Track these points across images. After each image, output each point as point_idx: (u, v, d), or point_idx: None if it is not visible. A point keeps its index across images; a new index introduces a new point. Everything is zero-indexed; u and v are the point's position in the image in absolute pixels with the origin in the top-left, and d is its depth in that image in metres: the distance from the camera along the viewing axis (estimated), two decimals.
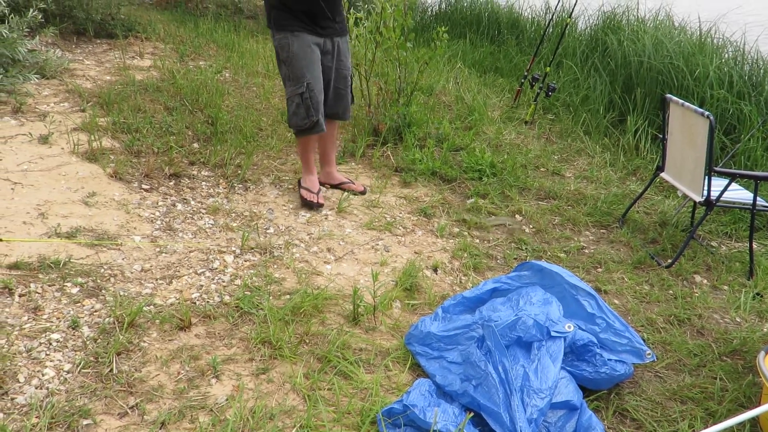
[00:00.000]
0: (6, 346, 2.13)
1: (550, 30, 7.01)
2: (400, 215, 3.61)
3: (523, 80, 5.91)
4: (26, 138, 3.71)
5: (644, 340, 2.51)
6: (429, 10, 9.96)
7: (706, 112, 3.16)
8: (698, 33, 5.75)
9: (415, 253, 3.22)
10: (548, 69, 5.64)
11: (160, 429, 1.88)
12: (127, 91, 4.61)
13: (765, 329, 2.91)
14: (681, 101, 3.40)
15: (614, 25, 6.67)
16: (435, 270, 3.08)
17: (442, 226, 3.50)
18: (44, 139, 3.71)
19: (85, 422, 1.88)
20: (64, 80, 4.75)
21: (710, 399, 2.37)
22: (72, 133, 3.84)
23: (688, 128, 3.39)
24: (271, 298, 2.62)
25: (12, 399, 1.93)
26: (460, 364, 2.12)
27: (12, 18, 4.52)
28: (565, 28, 5.87)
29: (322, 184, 3.79)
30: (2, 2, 4.31)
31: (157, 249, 2.93)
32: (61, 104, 4.31)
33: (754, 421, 2.27)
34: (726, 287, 3.29)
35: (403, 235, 3.40)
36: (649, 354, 2.27)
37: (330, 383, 2.16)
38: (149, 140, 3.92)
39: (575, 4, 5.76)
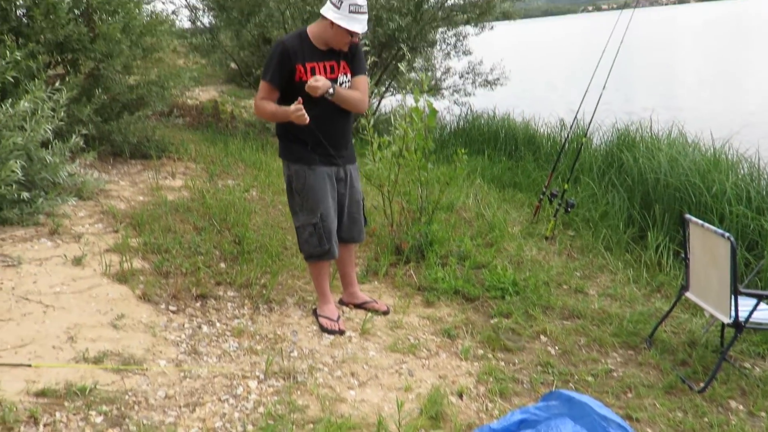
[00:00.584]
0: None
1: (567, 147, 7.23)
2: (424, 336, 3.60)
3: (542, 196, 6.04)
4: (60, 260, 3.83)
5: None
6: (448, 127, 10.37)
7: (726, 234, 3.19)
8: (712, 150, 5.89)
9: (440, 377, 3.18)
10: (566, 185, 5.77)
11: None
12: (159, 212, 4.79)
13: None
14: (700, 222, 3.45)
15: (629, 142, 6.88)
16: (460, 396, 3.03)
17: (466, 348, 3.48)
18: (77, 261, 3.83)
19: None
20: (99, 201, 4.96)
21: None
22: (104, 254, 3.96)
23: (709, 249, 3.41)
24: (294, 427, 2.59)
25: None
26: None
27: (55, 143, 4.80)
28: (580, 146, 6.05)
29: (345, 304, 3.82)
30: (48, 129, 4.59)
31: (182, 374, 2.93)
32: (96, 225, 4.48)
33: None
34: (764, 414, 3.17)
35: (427, 357, 3.37)
36: None
37: None
38: (178, 261, 4.03)
39: (590, 123, 5.98)
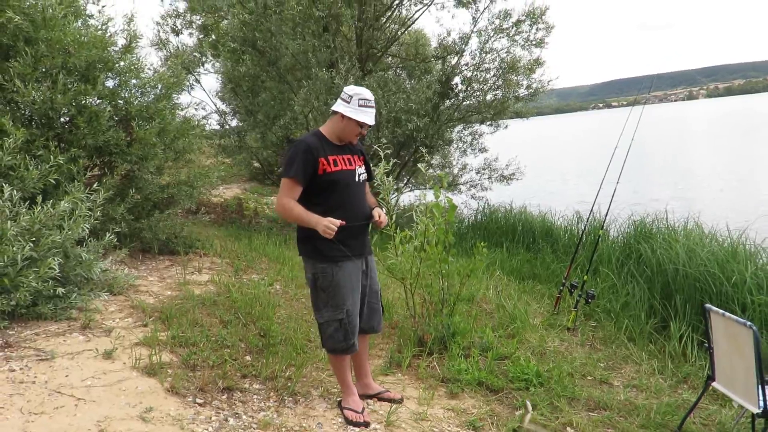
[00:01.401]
0: None
1: (584, 239, 7.34)
2: (449, 429, 3.58)
3: (561, 287, 6.09)
4: (92, 353, 3.93)
5: None
6: (466, 221, 10.57)
7: (748, 323, 3.22)
8: (729, 240, 5.96)
9: None
10: (586, 277, 5.83)
11: None
12: (186, 306, 4.91)
13: None
14: (722, 311, 3.49)
15: (646, 234, 6.97)
16: None
17: None
18: (108, 354, 3.92)
19: None
20: (129, 296, 5.10)
21: None
22: (134, 348, 4.06)
23: (733, 338, 3.43)
24: None
25: None
26: None
27: (90, 241, 5.02)
28: (598, 239, 6.16)
29: (359, 395, 3.80)
30: (85, 228, 4.82)
31: None
32: (126, 319, 4.60)
33: None
34: None
35: None
36: None
37: None
38: (205, 354, 4.10)
39: (606, 215, 6.12)
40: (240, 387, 3.83)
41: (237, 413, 3.53)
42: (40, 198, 4.63)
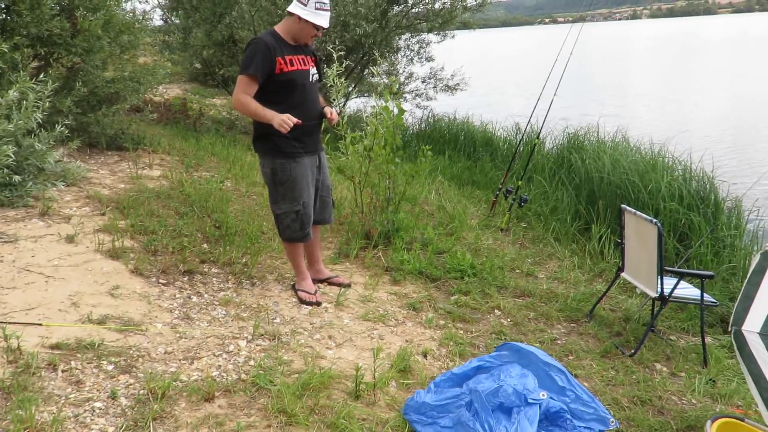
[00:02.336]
0: (56, 412, 2.44)
1: (521, 149, 7.78)
2: (392, 309, 4.02)
3: (498, 192, 6.54)
4: (54, 237, 4.11)
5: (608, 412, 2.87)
6: (411, 128, 10.84)
7: (654, 220, 3.71)
8: (650, 153, 6.49)
9: (407, 341, 3.61)
10: (520, 183, 6.29)
11: None
12: (141, 198, 5.08)
13: (717, 409, 3.30)
14: (634, 210, 3.97)
15: (578, 145, 7.46)
16: (425, 356, 3.46)
17: (430, 318, 3.91)
18: (70, 239, 4.11)
19: None
20: (83, 187, 5.22)
21: None
22: (96, 233, 4.25)
23: (641, 234, 3.93)
24: (282, 376, 2.97)
25: None
26: (451, 428, 2.47)
27: (40, 132, 5.05)
28: (533, 148, 6.59)
29: (312, 280, 4.13)
30: (37, 117, 4.84)
31: (177, 335, 3.28)
32: (83, 208, 4.75)
33: None
34: (683, 374, 3.69)
35: (395, 326, 3.79)
36: (612, 421, 2.64)
37: None
38: (164, 241, 4.35)
39: (542, 126, 6.53)
40: (200, 271, 4.12)
41: (199, 292, 3.84)
42: None
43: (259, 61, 3.56)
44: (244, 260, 4.38)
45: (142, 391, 2.67)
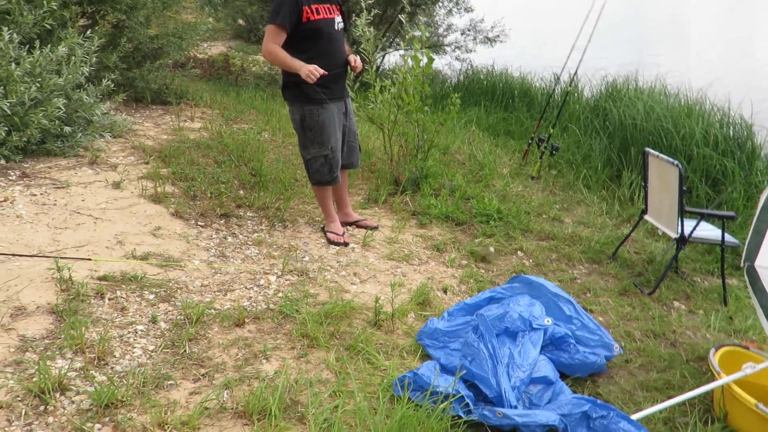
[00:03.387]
0: (103, 332, 2.73)
1: (558, 98, 7.73)
2: (416, 250, 4.19)
3: (530, 141, 6.57)
4: (102, 184, 4.41)
5: (619, 344, 3.00)
6: (448, 81, 10.81)
7: (675, 161, 3.74)
8: (687, 99, 6.38)
9: (428, 278, 3.79)
10: (552, 131, 6.30)
11: (225, 389, 2.44)
12: (182, 148, 5.35)
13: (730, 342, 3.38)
14: (657, 153, 4.00)
15: (614, 94, 7.36)
16: (445, 291, 3.64)
17: (453, 258, 4.07)
18: (117, 185, 4.41)
19: (168, 383, 2.44)
20: (129, 138, 5.52)
21: (672, 389, 2.84)
22: (139, 180, 4.54)
23: (663, 176, 3.96)
24: (307, 306, 3.20)
25: (112, 368, 2.51)
26: (459, 350, 2.66)
27: (89, 86, 5.34)
28: (566, 96, 6.55)
29: (341, 223, 4.33)
30: (85, 71, 5.13)
31: (213, 270, 3.54)
32: (128, 158, 5.05)
33: (708, 405, 2.74)
34: (701, 312, 3.77)
35: (419, 264, 3.97)
36: (617, 347, 2.77)
37: (356, 364, 2.70)
38: (203, 187, 4.61)
39: (575, 74, 6.47)
40: (236, 214, 4.37)
41: (234, 233, 4.09)
42: (37, 43, 4.89)
43: (287, 10, 3.68)
44: (277, 205, 4.60)
45: (179, 317, 2.94)
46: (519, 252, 4.36)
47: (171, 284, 3.28)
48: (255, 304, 3.19)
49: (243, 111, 7.44)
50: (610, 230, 4.92)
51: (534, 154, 6.59)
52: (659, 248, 4.66)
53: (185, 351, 2.67)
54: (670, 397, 2.77)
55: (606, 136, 6.42)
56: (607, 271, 4.18)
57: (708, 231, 4.04)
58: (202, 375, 2.53)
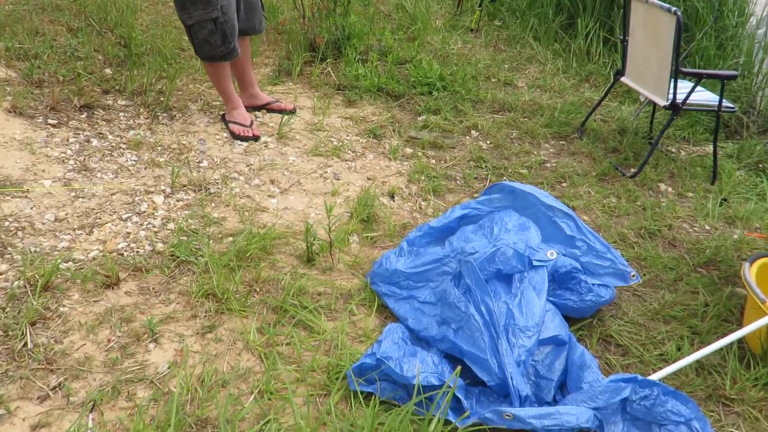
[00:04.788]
0: None
1: None
2: (348, 138, 3.28)
3: None
4: None
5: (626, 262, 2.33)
6: None
7: (673, 8, 2.91)
8: None
9: (368, 179, 2.93)
10: None
11: (91, 412, 1.59)
12: (20, 11, 3.98)
13: (735, 236, 2.80)
14: None
15: None
16: (392, 197, 2.81)
17: (395, 147, 3.20)
18: None
19: None
20: None
21: (693, 316, 2.24)
22: None
23: (652, 27, 3.14)
24: (211, 242, 2.30)
25: None
26: (434, 304, 1.89)
27: None
28: None
29: (246, 108, 3.31)
30: None
31: (73, 194, 2.53)
32: None
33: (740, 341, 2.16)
34: (691, 194, 3.17)
35: (353, 159, 3.09)
36: (633, 276, 2.09)
37: (288, 336, 1.89)
38: (52, 67, 3.40)
39: None
40: (102, 104, 3.25)
41: (101, 133, 3.02)
42: None
43: None
44: (159, 86, 3.49)
45: (17, 282, 1.98)
46: (473, 131, 3.54)
47: (8, 224, 2.28)
48: (135, 246, 2.26)
49: None
50: (571, 94, 4.14)
51: (470, 1, 5.56)
52: (628, 112, 3.96)
53: (26, 345, 1.76)
54: (694, 332, 2.18)
55: None
56: (578, 149, 3.46)
57: (698, 94, 3.33)
58: (53, 388, 1.65)
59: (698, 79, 3.13)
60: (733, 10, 4.78)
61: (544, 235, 2.13)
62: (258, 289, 2.09)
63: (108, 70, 3.57)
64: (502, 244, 1.90)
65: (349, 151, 3.15)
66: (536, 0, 5.31)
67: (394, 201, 2.78)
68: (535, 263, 1.90)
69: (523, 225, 2.07)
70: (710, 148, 3.76)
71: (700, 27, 4.55)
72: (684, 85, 3.32)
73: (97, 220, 2.37)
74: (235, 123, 3.14)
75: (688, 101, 3.20)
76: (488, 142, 3.44)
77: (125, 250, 2.22)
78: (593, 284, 2.02)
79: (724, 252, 2.64)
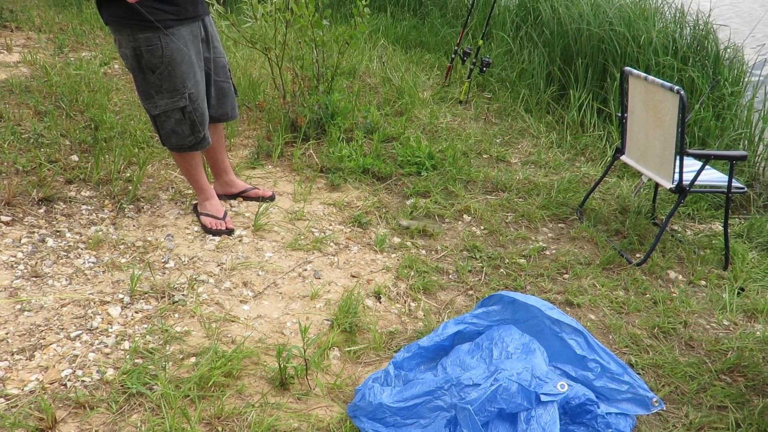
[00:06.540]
0: None
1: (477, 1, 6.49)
2: (330, 228, 3.03)
3: (453, 56, 5.39)
4: None
5: (646, 384, 2.05)
6: None
7: (676, 87, 2.72)
8: None
9: (352, 276, 2.66)
10: (480, 42, 5.14)
11: None
12: None
13: (758, 333, 2.54)
14: (644, 74, 2.96)
15: None
16: (378, 298, 2.53)
17: (381, 237, 2.95)
18: None
19: None
20: None
21: None
22: None
23: (653, 105, 2.96)
24: (170, 365, 2.01)
25: None
26: None
27: None
28: None
29: (220, 197, 3.10)
30: None
31: (18, 306, 2.24)
32: None
33: None
34: (704, 282, 2.91)
35: (336, 253, 2.83)
36: (656, 402, 1.81)
37: None
38: (11, 156, 3.16)
39: None
40: (63, 196, 3.00)
41: (58, 230, 2.75)
42: None
43: None
44: (128, 174, 3.26)
45: None
46: (465, 215, 3.30)
47: None
48: (81, 373, 1.96)
49: (86, 33, 5.74)
50: (567, 170, 3.94)
51: (458, 71, 5.44)
52: (628, 188, 3.75)
53: None
54: None
55: (543, 45, 5.33)
56: (578, 233, 3.22)
57: (706, 173, 3.12)
58: None
59: (706, 159, 2.92)
60: (728, 78, 4.66)
61: (551, 352, 1.86)
62: (220, 429, 1.78)
63: (74, 157, 3.34)
64: (504, 377, 1.61)
65: (331, 244, 2.89)
66: (526, 70, 5.19)
67: (380, 302, 2.51)
68: (543, 398, 1.62)
69: (526, 347, 1.79)
70: (717, 225, 3.54)
71: (697, 97, 4.41)
72: (690, 162, 3.12)
73: (41, 341, 2.08)
74: (208, 215, 2.89)
75: (698, 182, 2.98)
76: (482, 227, 3.19)
77: (69, 379, 1.92)
78: (610, 414, 1.73)
79: (748, 354, 2.37)
